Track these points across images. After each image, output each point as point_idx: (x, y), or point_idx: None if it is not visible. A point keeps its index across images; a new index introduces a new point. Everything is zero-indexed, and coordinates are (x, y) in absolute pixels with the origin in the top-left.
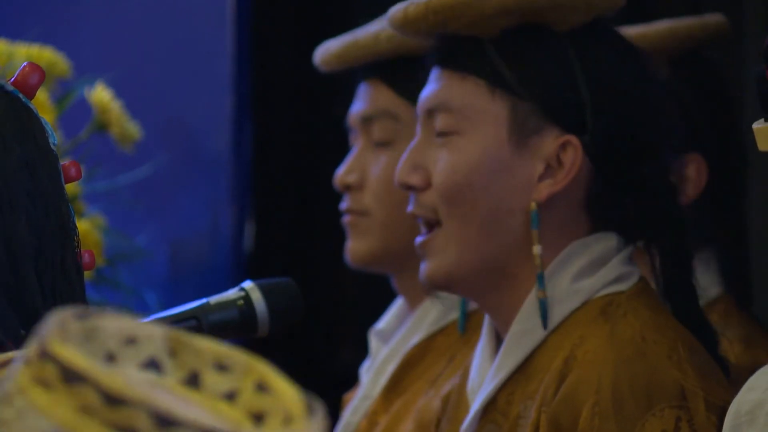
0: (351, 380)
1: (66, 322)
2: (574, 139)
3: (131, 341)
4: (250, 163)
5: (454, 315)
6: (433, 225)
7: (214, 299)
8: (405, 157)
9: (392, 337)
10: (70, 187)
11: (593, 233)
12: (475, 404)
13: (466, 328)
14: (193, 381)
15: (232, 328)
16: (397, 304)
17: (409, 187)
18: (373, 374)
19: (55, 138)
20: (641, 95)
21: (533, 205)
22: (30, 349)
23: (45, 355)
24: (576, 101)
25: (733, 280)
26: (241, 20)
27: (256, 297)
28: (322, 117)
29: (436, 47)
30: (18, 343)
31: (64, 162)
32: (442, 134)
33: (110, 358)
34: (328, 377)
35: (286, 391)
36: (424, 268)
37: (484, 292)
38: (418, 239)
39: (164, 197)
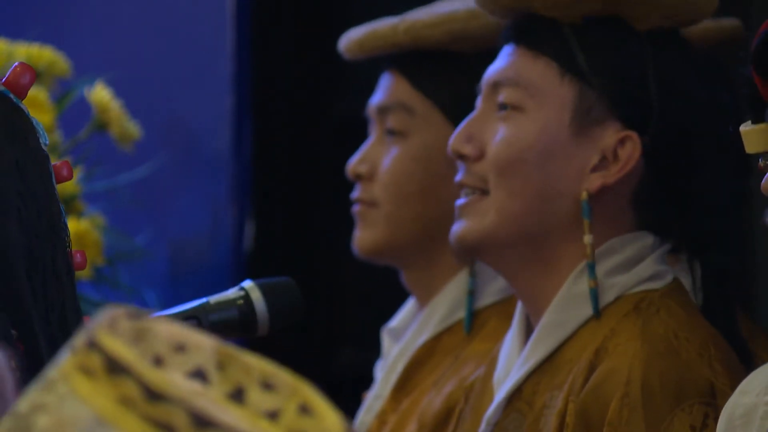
0: (351, 380)
1: (117, 319)
2: (634, 136)
3: (180, 348)
4: (250, 163)
5: (460, 314)
6: (478, 193)
7: (214, 299)
8: (461, 127)
9: (403, 335)
10: (69, 187)
11: (635, 231)
12: (501, 392)
13: (471, 327)
14: (237, 396)
15: (232, 327)
16: (410, 302)
17: (461, 156)
18: (385, 373)
19: (47, 138)
20: (709, 108)
21: (584, 194)
22: (77, 338)
23: (92, 345)
24: (644, 99)
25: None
26: (241, 20)
27: (256, 296)
28: (322, 117)
29: (512, 25)
30: (8, 343)
31: (56, 162)
32: (504, 108)
33: (158, 361)
34: (327, 377)
35: (329, 416)
36: (458, 227)
37: (516, 269)
38: (459, 201)
39: (164, 197)
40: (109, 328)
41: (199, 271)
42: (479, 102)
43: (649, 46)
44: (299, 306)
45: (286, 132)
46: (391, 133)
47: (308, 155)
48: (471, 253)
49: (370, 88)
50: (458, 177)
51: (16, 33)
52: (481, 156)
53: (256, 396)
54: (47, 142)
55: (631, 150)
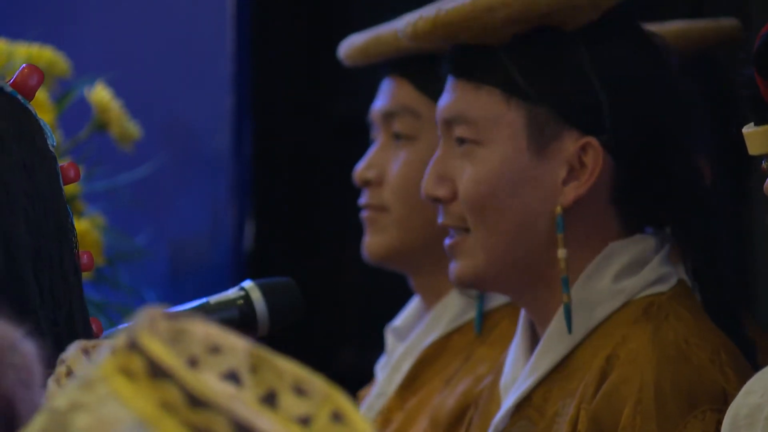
0: (351, 380)
1: (156, 319)
2: (593, 141)
3: (215, 350)
4: (250, 163)
5: (471, 314)
6: (461, 232)
7: (214, 299)
8: (429, 170)
9: (409, 334)
10: (70, 187)
11: (624, 230)
12: (508, 400)
13: (482, 328)
14: (269, 400)
15: (232, 327)
16: (414, 302)
17: (436, 200)
18: (389, 371)
19: (54, 139)
20: (657, 86)
21: (558, 209)
22: (118, 339)
23: (133, 347)
24: (592, 102)
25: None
26: (241, 20)
27: (256, 296)
28: (322, 117)
29: (449, 56)
30: None
31: (63, 163)
32: (462, 142)
33: (193, 362)
34: (327, 377)
35: (361, 424)
36: (454, 268)
37: (517, 290)
38: (447, 241)
39: (164, 197)
40: (149, 329)
41: (199, 271)
42: (440, 138)
43: (583, 44)
44: (299, 306)
45: (286, 132)
46: (399, 137)
47: (308, 155)
48: (473, 288)
49: (370, 89)
50: (440, 219)
51: (16, 33)
52: (454, 196)
53: (288, 401)
54: (54, 143)
55: (594, 154)
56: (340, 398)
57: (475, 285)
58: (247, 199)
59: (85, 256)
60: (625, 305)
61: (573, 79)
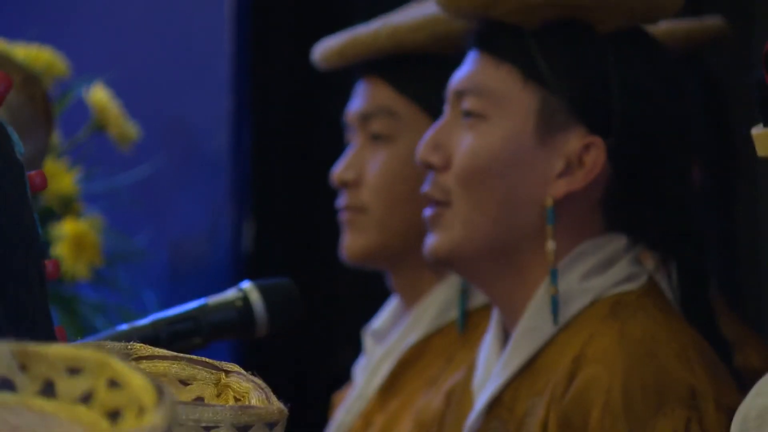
0: (350, 380)
1: None
2: (599, 141)
3: None
4: (249, 163)
5: (452, 315)
6: (441, 205)
7: (212, 300)
8: (428, 136)
9: (387, 336)
10: (69, 188)
11: (605, 234)
12: (481, 400)
13: (465, 327)
14: (48, 390)
15: (231, 328)
16: (392, 304)
17: (429, 165)
18: (368, 374)
19: (22, 147)
20: (672, 108)
21: (550, 200)
22: None
23: None
24: (606, 103)
25: (723, 281)
26: (240, 20)
27: (255, 297)
28: (321, 117)
29: (476, 30)
30: None
31: (30, 172)
32: (468, 115)
33: None
34: (326, 377)
35: (136, 382)
36: (430, 241)
37: (489, 278)
38: (427, 211)
39: (164, 197)
40: None
41: (199, 271)
42: (446, 109)
43: (611, 48)
44: (298, 306)
45: (285, 132)
46: (377, 137)
47: (307, 155)
48: (444, 266)
49: None
50: (424, 187)
51: (15, 33)
52: (447, 165)
53: (65, 385)
54: (23, 152)
55: (596, 155)
56: (114, 364)
57: (449, 261)
58: (246, 199)
59: (50, 265)
60: (593, 303)
61: (594, 77)
